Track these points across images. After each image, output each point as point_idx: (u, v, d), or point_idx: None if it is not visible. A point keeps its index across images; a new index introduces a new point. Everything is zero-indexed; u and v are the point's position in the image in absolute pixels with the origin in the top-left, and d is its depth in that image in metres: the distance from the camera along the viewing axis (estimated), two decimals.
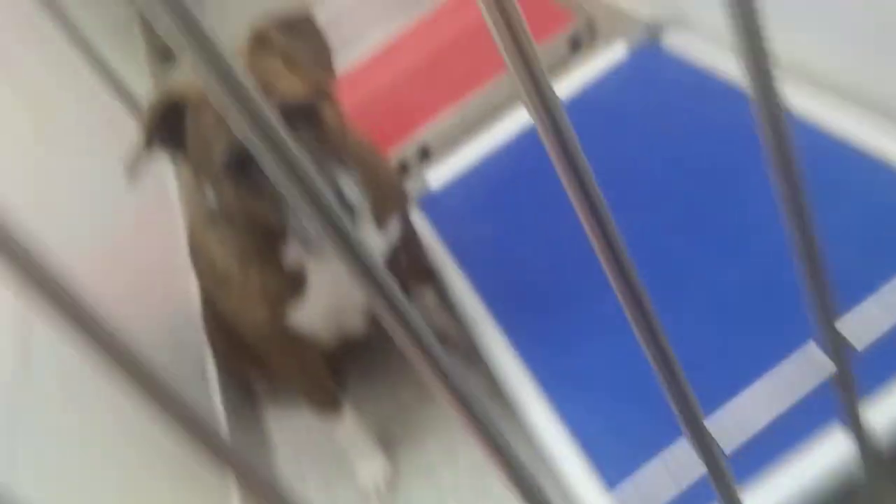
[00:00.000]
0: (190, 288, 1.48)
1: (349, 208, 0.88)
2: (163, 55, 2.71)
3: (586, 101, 1.47)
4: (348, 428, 1.26)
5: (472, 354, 1.27)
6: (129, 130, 1.53)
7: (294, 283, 1.05)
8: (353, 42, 2.02)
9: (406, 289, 1.34)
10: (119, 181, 0.95)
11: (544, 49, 1.72)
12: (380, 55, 1.98)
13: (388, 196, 1.12)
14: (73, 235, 1.21)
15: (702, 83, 1.35)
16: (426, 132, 1.69)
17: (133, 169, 0.92)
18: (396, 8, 2.10)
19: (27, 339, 0.88)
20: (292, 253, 1.02)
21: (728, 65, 1.32)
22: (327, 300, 1.09)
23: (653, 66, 1.45)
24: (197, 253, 1.15)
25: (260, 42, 0.94)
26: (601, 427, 1.00)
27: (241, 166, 0.89)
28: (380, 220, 1.10)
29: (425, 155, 1.68)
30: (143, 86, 2.17)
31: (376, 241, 1.11)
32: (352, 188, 0.89)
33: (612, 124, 1.40)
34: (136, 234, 1.57)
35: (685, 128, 1.31)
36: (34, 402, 0.85)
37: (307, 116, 0.91)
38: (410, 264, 1.29)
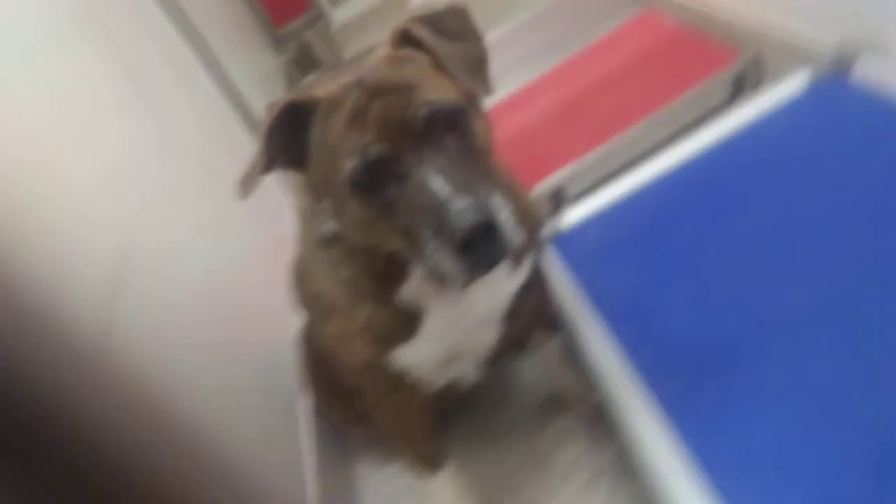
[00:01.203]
0: (286, 330, 1.35)
1: (505, 241, 0.71)
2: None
3: (757, 138, 1.25)
4: (446, 490, 1.07)
5: (599, 420, 1.06)
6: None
7: (407, 322, 0.89)
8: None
9: (527, 338, 1.14)
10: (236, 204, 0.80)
11: (701, 91, 1.53)
12: (517, 96, 1.85)
13: (527, 231, 0.91)
14: (181, 249, 1.11)
15: None
16: (559, 176, 1.53)
17: (247, 180, 0.75)
18: (538, 53, 2.02)
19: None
20: (410, 288, 0.87)
21: None
22: (440, 344, 0.93)
23: (840, 101, 1.21)
24: (302, 279, 1.01)
25: (403, 38, 0.80)
26: None
27: (373, 181, 0.73)
28: (515, 257, 0.92)
29: (557, 200, 1.51)
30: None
31: (507, 282, 0.94)
32: (507, 215, 0.71)
33: (789, 166, 1.16)
34: (244, 263, 1.47)
35: (878, 171, 1.06)
36: None
37: (454, 125, 0.74)
38: (534, 310, 1.09)
